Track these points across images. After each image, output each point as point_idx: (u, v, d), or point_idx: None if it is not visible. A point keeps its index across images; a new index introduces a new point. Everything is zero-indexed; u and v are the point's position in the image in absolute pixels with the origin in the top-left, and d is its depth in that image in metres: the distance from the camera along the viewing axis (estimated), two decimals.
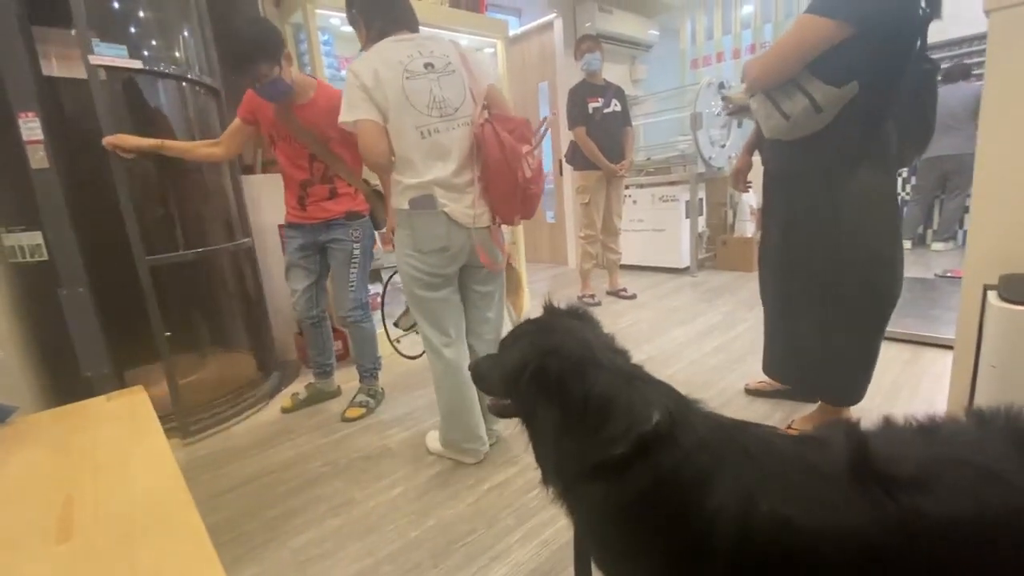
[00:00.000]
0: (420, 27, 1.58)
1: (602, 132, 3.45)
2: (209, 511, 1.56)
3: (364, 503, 1.56)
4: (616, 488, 0.67)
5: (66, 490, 0.63)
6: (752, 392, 2.03)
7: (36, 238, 1.86)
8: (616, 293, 3.82)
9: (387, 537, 1.40)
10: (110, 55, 1.79)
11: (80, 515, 0.58)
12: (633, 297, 3.74)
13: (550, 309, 0.89)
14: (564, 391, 0.71)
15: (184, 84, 2.14)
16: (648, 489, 0.65)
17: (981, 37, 4.17)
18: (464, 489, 1.58)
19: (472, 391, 1.65)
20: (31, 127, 1.65)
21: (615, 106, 3.49)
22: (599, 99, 3.43)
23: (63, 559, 0.51)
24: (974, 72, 4.13)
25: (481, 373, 0.92)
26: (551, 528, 1.37)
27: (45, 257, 1.83)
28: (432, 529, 1.41)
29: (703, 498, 0.62)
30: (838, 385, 1.60)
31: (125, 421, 0.84)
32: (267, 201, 2.63)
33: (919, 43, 1.34)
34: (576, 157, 3.57)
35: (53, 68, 1.95)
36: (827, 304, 1.50)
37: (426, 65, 1.45)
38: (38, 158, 1.67)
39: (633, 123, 3.77)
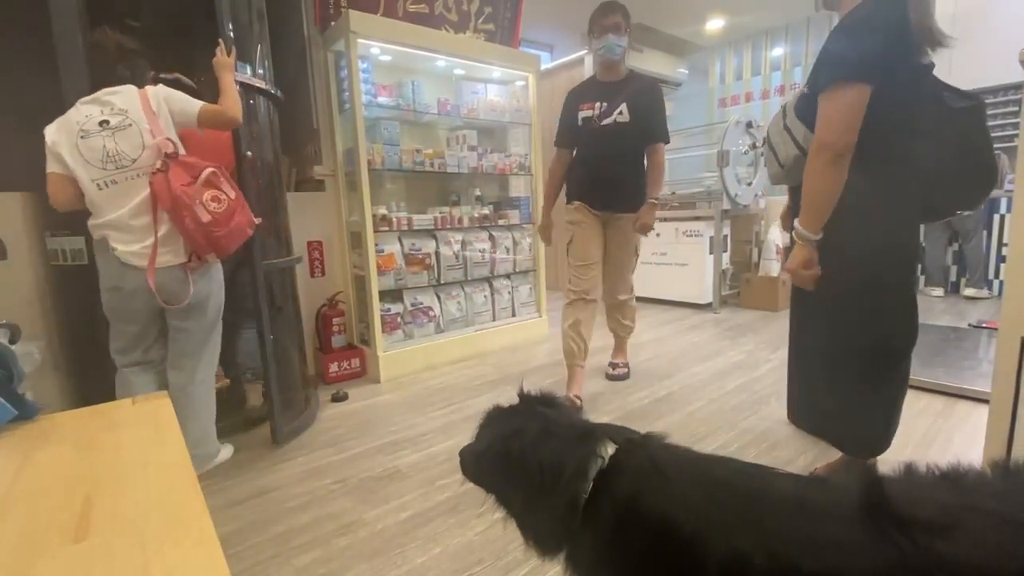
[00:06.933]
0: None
1: (593, 155, 2.33)
2: (219, 521, 1.56)
3: (372, 524, 1.54)
4: (594, 532, 0.68)
5: (86, 489, 0.64)
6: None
7: (78, 243, 1.94)
8: (613, 367, 2.73)
9: (393, 561, 1.37)
10: (240, 72, 1.95)
11: (97, 515, 0.59)
12: (624, 377, 2.71)
13: (523, 396, 0.93)
14: (525, 465, 0.75)
15: (265, 98, 2.21)
16: (618, 524, 0.66)
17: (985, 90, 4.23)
18: (474, 517, 1.55)
19: None
20: None
21: (620, 114, 2.26)
22: (596, 104, 2.29)
23: (78, 558, 0.51)
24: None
25: (464, 462, 0.93)
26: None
27: (85, 262, 1.91)
28: (439, 557, 1.38)
29: (677, 529, 0.61)
30: (852, 434, 1.53)
31: (148, 426, 0.85)
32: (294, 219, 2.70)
33: (933, 87, 1.29)
34: (569, 183, 2.48)
35: None
36: (833, 348, 1.46)
37: (101, 123, 1.55)
38: None
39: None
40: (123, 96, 1.61)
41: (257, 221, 1.80)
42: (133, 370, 1.74)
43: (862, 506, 0.56)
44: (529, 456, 0.75)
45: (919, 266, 4.66)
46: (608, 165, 2.33)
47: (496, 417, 0.90)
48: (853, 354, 1.42)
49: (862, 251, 1.33)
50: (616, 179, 2.34)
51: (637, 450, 0.71)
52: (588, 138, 2.33)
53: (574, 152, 2.43)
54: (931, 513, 0.54)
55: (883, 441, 1.51)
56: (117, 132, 1.56)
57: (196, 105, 1.68)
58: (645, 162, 2.40)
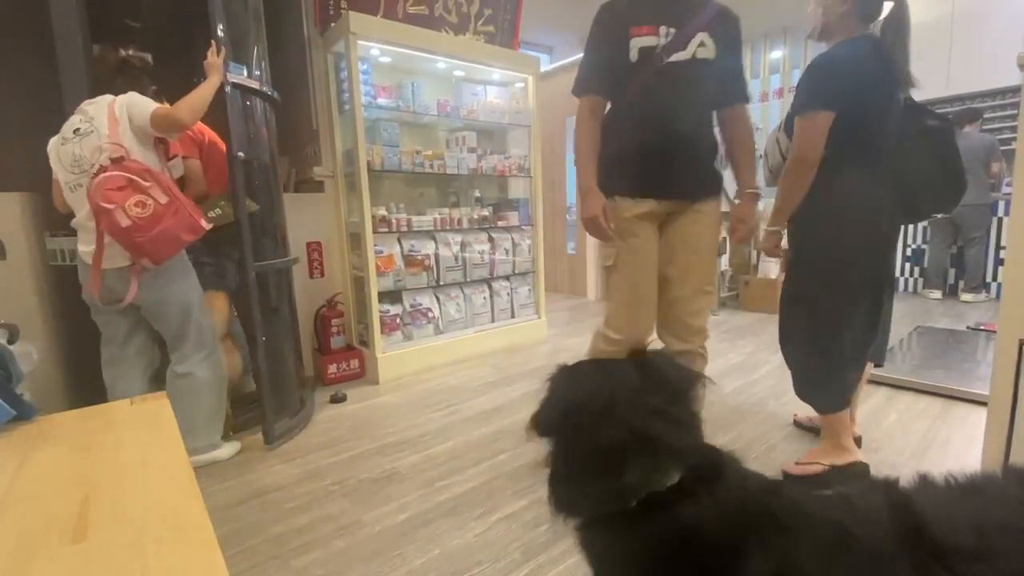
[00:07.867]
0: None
1: (656, 110, 1.43)
2: (217, 523, 1.56)
3: (371, 526, 1.54)
4: (626, 539, 0.66)
5: (84, 490, 0.64)
6: (799, 424, 2.06)
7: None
8: None
9: (391, 563, 1.37)
10: (236, 73, 1.96)
11: (96, 516, 0.59)
12: None
13: (656, 355, 0.85)
14: (579, 442, 0.72)
15: (262, 99, 2.18)
16: (657, 547, 0.63)
17: (987, 93, 4.19)
18: (472, 519, 1.55)
19: None
20: None
21: (702, 46, 1.41)
22: (659, 29, 1.40)
23: (77, 559, 0.51)
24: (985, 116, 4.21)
25: (539, 412, 0.90)
26: (560, 566, 1.33)
27: None
28: (438, 559, 1.38)
29: (729, 561, 0.58)
30: (813, 399, 1.71)
31: (146, 426, 0.85)
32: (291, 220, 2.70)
33: (913, 110, 1.52)
34: (610, 171, 1.47)
35: None
36: (788, 306, 1.75)
37: (75, 130, 1.65)
38: None
39: None
40: (97, 105, 1.68)
41: (207, 226, 1.75)
42: (108, 366, 1.86)
43: (898, 537, 0.55)
44: (587, 436, 0.71)
45: (912, 267, 4.67)
46: (682, 125, 1.44)
47: (561, 377, 0.82)
48: (815, 333, 1.63)
49: (830, 245, 1.54)
50: (693, 146, 1.48)
51: (701, 488, 0.65)
52: (646, 83, 1.41)
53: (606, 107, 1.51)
54: (972, 540, 0.52)
55: (825, 399, 1.66)
56: (83, 139, 1.64)
57: (151, 108, 1.67)
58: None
